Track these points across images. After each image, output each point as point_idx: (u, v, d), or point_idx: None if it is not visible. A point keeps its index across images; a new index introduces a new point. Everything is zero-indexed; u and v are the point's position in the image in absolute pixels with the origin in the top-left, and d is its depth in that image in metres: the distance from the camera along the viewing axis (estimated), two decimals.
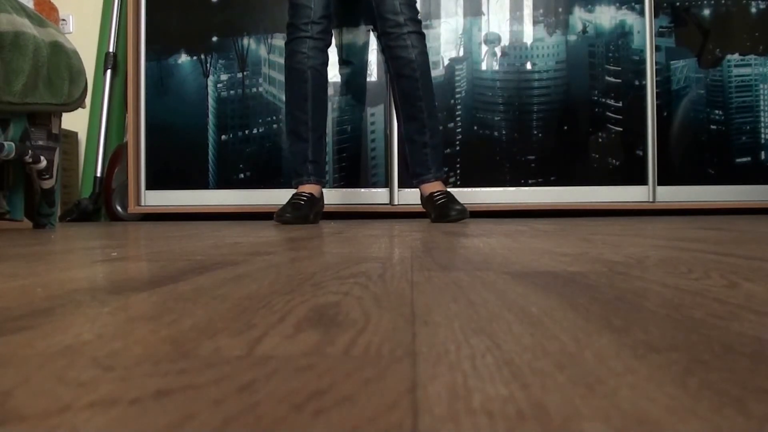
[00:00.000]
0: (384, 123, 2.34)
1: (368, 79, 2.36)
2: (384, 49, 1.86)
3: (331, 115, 2.30)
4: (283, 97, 2.40)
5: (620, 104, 2.34)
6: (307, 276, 0.46)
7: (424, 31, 2.37)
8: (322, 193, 1.87)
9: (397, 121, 1.91)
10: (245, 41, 2.41)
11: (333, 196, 2.30)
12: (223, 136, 2.41)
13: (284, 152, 2.39)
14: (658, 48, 2.33)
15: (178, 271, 0.50)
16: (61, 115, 1.64)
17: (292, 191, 1.89)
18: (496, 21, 2.36)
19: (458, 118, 2.33)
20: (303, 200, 1.78)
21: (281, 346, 0.24)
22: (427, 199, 1.84)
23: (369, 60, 2.37)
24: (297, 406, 0.17)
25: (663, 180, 2.32)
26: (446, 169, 2.35)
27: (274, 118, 2.40)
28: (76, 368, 0.21)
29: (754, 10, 2.34)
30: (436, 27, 2.36)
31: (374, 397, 0.17)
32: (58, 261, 0.62)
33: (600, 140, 2.34)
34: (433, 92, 1.87)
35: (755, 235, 0.92)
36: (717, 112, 2.34)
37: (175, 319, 0.29)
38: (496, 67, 2.35)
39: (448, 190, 1.83)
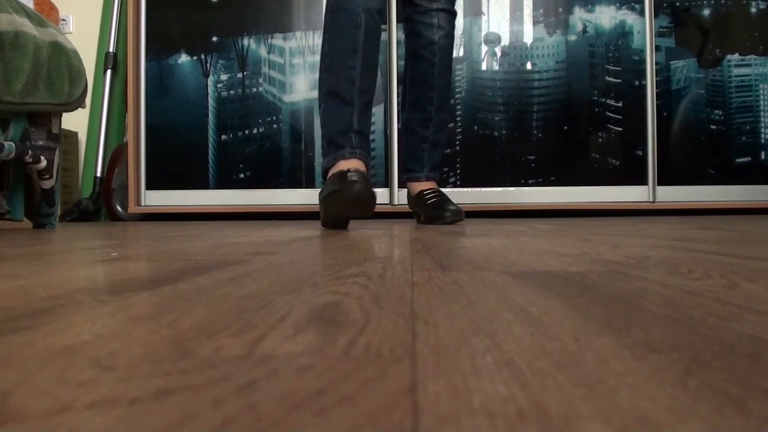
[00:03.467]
0: (384, 123, 2.34)
1: None
2: (406, 20, 1.61)
3: None
4: (284, 97, 2.41)
5: (620, 104, 2.34)
6: (307, 276, 0.46)
7: None
8: (368, 178, 1.28)
9: (401, 106, 1.65)
10: (245, 41, 2.41)
11: None
12: (223, 136, 2.41)
13: (284, 152, 2.39)
14: (658, 48, 2.33)
15: (178, 271, 0.50)
16: (61, 115, 1.64)
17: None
18: (496, 21, 2.36)
19: (458, 118, 2.33)
20: (362, 176, 1.24)
21: (281, 346, 0.24)
22: (415, 198, 1.61)
23: None
24: (297, 406, 0.17)
25: (663, 180, 2.32)
26: (445, 169, 2.35)
27: (274, 118, 2.40)
28: (76, 368, 0.21)
29: (754, 10, 2.34)
30: None
31: (374, 397, 0.17)
32: (58, 261, 0.62)
33: (600, 140, 2.35)
34: (450, 82, 1.63)
35: (755, 235, 0.92)
36: (717, 112, 2.34)
37: (175, 319, 0.29)
38: (496, 67, 2.35)
39: (441, 190, 1.63)
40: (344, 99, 1.37)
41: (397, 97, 2.33)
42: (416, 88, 1.59)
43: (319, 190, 1.38)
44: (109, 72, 2.60)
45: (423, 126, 1.59)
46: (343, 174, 1.25)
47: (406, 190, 1.70)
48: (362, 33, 1.37)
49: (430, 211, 1.54)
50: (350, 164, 1.30)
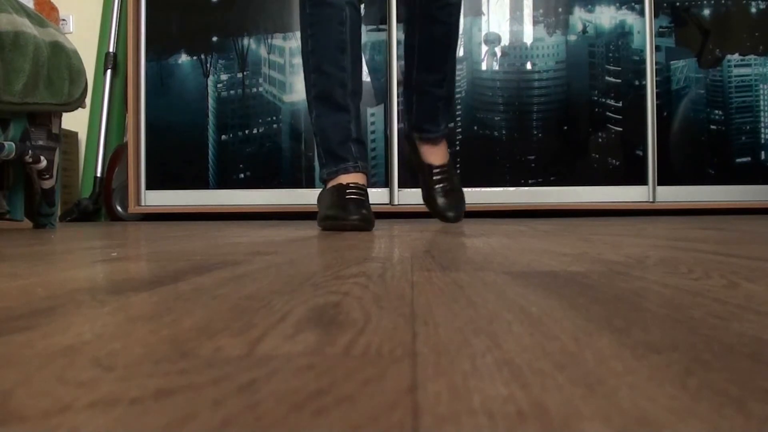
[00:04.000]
0: (384, 123, 2.34)
1: (368, 79, 2.36)
2: None
3: None
4: (284, 97, 2.41)
5: (620, 104, 2.34)
6: (307, 276, 0.46)
7: None
8: (367, 194, 1.32)
9: (406, 67, 1.53)
10: (245, 41, 2.41)
11: None
12: (223, 136, 2.41)
13: (284, 152, 2.39)
14: (658, 48, 2.33)
15: (178, 271, 0.50)
16: (61, 115, 1.64)
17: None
18: (496, 21, 2.36)
19: (458, 118, 2.33)
20: (362, 194, 1.28)
21: (281, 346, 0.24)
22: (427, 172, 1.56)
23: (368, 59, 2.37)
24: (297, 406, 0.17)
25: (663, 180, 2.32)
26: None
27: (274, 118, 2.40)
28: (76, 368, 0.21)
29: (754, 10, 2.34)
30: None
31: (374, 397, 0.17)
32: (58, 261, 0.62)
33: (600, 140, 2.34)
34: (458, 40, 1.57)
35: (755, 235, 0.92)
36: (717, 112, 2.34)
37: (175, 319, 0.29)
38: (496, 67, 2.35)
39: (453, 169, 1.58)
40: (339, 105, 1.33)
41: (398, 97, 2.33)
42: (431, 50, 1.49)
43: (319, 190, 1.38)
44: (109, 72, 2.60)
45: (438, 86, 1.51)
46: (342, 190, 1.26)
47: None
48: (348, 29, 1.32)
49: (436, 205, 1.54)
50: (351, 178, 1.30)
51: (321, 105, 1.34)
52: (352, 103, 1.34)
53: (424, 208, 2.30)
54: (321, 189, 1.37)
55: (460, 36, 2.34)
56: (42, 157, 1.53)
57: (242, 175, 2.41)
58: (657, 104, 2.32)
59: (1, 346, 0.24)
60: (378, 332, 0.26)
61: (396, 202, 2.32)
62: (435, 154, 1.56)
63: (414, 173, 2.33)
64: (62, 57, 1.54)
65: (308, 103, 1.38)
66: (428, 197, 1.57)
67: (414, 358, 0.21)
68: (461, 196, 1.56)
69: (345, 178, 1.30)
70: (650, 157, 2.31)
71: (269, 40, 2.40)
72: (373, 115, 2.35)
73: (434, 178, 1.54)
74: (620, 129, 2.34)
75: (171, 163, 2.44)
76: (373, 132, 2.35)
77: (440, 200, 1.53)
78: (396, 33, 2.34)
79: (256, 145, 2.40)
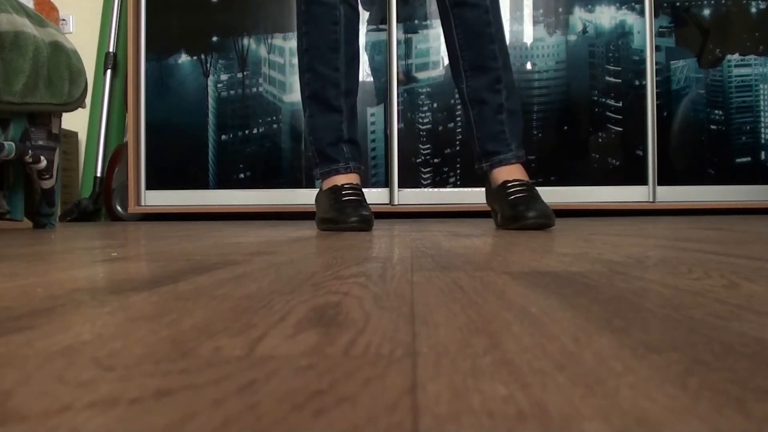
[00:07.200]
0: (384, 123, 2.34)
1: (368, 79, 2.36)
2: None
3: None
4: (284, 97, 2.41)
5: (620, 104, 2.34)
6: (307, 276, 0.46)
7: (425, 32, 2.38)
8: (363, 194, 1.30)
9: (456, 78, 1.34)
10: (245, 41, 2.41)
11: None
12: (223, 136, 2.41)
13: (284, 152, 2.39)
14: (658, 48, 2.33)
15: (178, 271, 0.50)
16: (61, 115, 1.64)
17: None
18: None
19: (458, 118, 2.33)
20: (359, 194, 1.27)
21: (281, 346, 0.24)
22: (496, 191, 1.28)
23: (368, 59, 2.37)
24: (297, 406, 0.17)
25: (663, 180, 2.32)
26: (445, 169, 2.34)
27: (274, 118, 2.40)
28: (76, 368, 0.21)
29: (754, 10, 2.34)
30: (437, 27, 2.36)
31: (374, 397, 0.17)
32: (58, 261, 0.62)
33: (600, 140, 2.35)
34: (505, 35, 1.35)
35: (755, 235, 0.92)
36: (717, 112, 2.34)
37: (175, 319, 0.29)
38: None
39: (531, 183, 1.27)
40: (331, 105, 1.31)
41: (398, 96, 2.33)
42: (471, 45, 1.30)
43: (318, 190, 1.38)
44: (109, 72, 2.60)
45: (493, 91, 1.30)
46: (338, 192, 1.26)
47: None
48: (342, 29, 1.29)
49: (508, 210, 1.20)
50: (346, 179, 1.30)
51: (314, 105, 1.33)
52: (346, 103, 1.32)
53: (424, 208, 2.32)
54: (319, 189, 1.38)
55: None
56: (42, 157, 1.53)
57: (242, 175, 2.41)
58: (657, 104, 2.32)
59: (1, 346, 0.24)
60: (378, 332, 0.26)
61: (396, 202, 2.32)
62: (512, 171, 1.29)
63: (415, 172, 2.33)
64: (62, 57, 1.54)
65: (302, 102, 1.37)
66: (499, 205, 1.27)
67: (414, 358, 0.21)
68: (544, 203, 1.22)
69: (340, 179, 1.30)
70: (650, 157, 2.31)
71: (269, 40, 2.40)
72: (373, 115, 2.35)
73: (509, 189, 1.24)
74: (620, 129, 2.34)
75: (171, 163, 2.44)
76: (373, 132, 2.35)
77: (516, 207, 1.19)
78: (396, 33, 2.34)
79: (256, 145, 2.40)
